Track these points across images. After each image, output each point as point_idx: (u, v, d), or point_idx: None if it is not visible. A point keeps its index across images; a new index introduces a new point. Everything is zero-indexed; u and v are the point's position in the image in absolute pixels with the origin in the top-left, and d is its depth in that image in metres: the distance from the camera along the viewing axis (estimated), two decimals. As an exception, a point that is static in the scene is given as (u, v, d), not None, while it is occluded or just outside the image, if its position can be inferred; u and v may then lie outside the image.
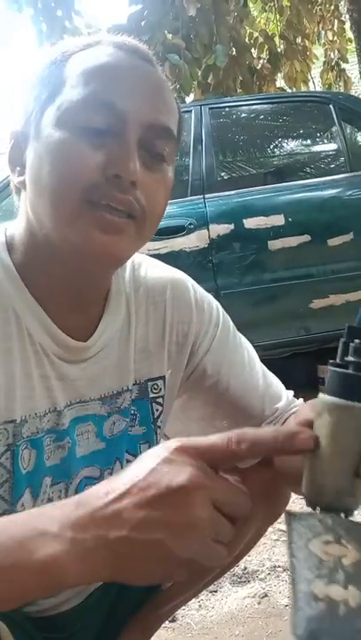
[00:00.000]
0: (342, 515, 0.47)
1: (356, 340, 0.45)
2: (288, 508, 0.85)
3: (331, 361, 0.47)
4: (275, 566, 1.53)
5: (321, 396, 0.47)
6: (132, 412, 0.75)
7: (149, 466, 0.45)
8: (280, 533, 1.64)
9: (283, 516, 0.51)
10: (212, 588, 1.45)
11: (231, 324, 0.83)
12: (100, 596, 0.82)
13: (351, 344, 0.46)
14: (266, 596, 1.42)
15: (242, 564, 1.52)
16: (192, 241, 2.63)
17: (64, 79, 0.62)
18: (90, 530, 0.43)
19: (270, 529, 1.63)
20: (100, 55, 0.62)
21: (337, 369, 0.46)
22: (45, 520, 0.44)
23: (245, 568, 1.53)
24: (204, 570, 0.89)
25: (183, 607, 1.32)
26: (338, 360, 0.47)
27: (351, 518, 0.48)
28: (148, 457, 0.47)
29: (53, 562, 0.42)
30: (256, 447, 0.46)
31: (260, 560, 1.56)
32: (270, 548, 1.61)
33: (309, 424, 0.48)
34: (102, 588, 0.82)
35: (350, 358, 0.45)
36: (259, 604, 1.39)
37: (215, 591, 1.46)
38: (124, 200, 0.59)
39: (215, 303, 0.83)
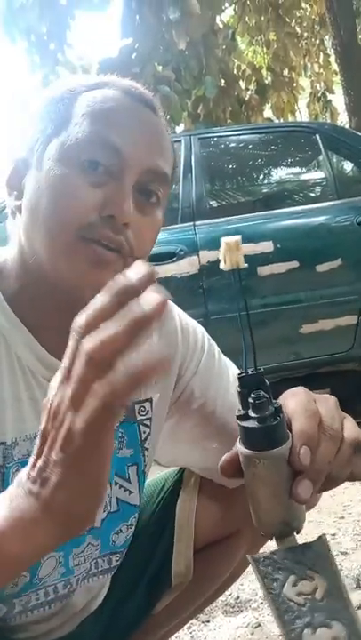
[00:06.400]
0: (295, 533, 0.51)
1: (253, 395, 0.49)
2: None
3: (237, 414, 0.50)
4: (267, 595, 1.51)
5: (240, 448, 0.50)
6: (120, 434, 0.76)
7: None
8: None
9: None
10: (204, 617, 1.43)
11: (217, 348, 0.85)
12: (92, 624, 0.82)
13: (249, 399, 0.49)
14: (259, 625, 1.39)
15: (234, 592, 1.50)
16: (183, 267, 2.65)
17: (70, 116, 0.64)
18: (20, 493, 0.45)
19: (262, 556, 1.62)
20: (108, 98, 0.65)
21: (245, 424, 0.49)
22: None
23: (238, 597, 1.50)
24: (193, 590, 0.89)
25: (175, 637, 1.30)
26: (241, 410, 0.50)
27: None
28: None
29: None
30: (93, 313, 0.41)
31: (253, 589, 1.54)
32: (263, 576, 1.59)
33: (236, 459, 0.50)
34: (94, 616, 0.82)
35: (252, 414, 0.49)
36: (252, 634, 1.37)
37: (207, 621, 1.43)
38: (116, 240, 0.63)
39: (200, 328, 0.84)
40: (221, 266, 0.49)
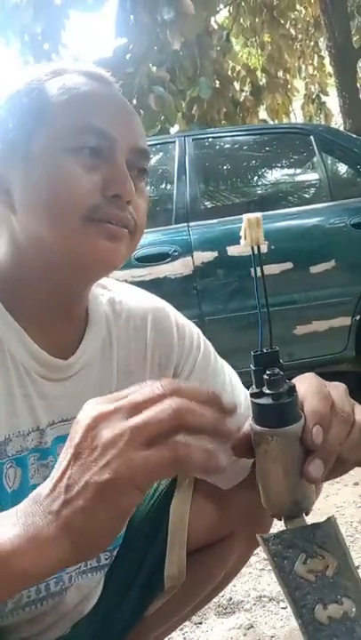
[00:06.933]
0: (304, 515, 0.51)
1: (268, 372, 0.50)
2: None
3: (251, 392, 0.51)
4: (260, 596, 1.51)
5: (253, 426, 0.50)
6: None
7: None
8: (266, 562, 1.62)
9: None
10: (196, 619, 1.42)
11: (212, 349, 0.86)
12: (86, 627, 0.82)
13: (265, 376, 0.50)
14: (252, 627, 1.39)
15: (227, 594, 1.50)
16: (176, 268, 2.65)
17: (46, 107, 0.65)
18: (38, 510, 0.44)
19: (255, 558, 1.61)
20: (78, 84, 0.66)
21: (259, 401, 0.50)
22: (5, 515, 0.45)
23: (231, 598, 1.50)
24: (188, 589, 0.89)
25: (167, 639, 1.30)
26: (255, 389, 0.51)
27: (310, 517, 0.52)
28: None
29: (3, 545, 0.42)
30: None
31: (246, 590, 1.54)
32: (256, 578, 1.58)
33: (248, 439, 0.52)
34: (87, 619, 0.82)
35: (267, 390, 0.50)
36: (245, 635, 1.37)
37: (200, 623, 1.43)
38: (123, 217, 0.65)
39: (195, 329, 0.85)
40: (241, 242, 0.50)
